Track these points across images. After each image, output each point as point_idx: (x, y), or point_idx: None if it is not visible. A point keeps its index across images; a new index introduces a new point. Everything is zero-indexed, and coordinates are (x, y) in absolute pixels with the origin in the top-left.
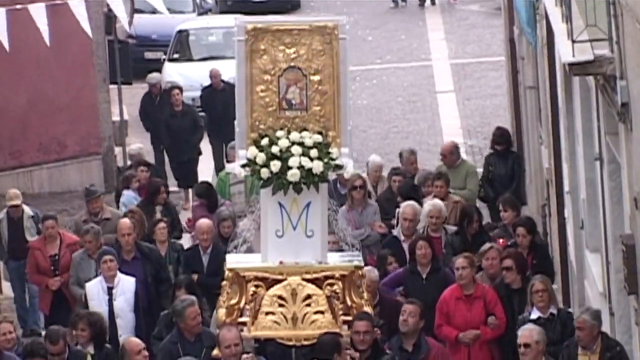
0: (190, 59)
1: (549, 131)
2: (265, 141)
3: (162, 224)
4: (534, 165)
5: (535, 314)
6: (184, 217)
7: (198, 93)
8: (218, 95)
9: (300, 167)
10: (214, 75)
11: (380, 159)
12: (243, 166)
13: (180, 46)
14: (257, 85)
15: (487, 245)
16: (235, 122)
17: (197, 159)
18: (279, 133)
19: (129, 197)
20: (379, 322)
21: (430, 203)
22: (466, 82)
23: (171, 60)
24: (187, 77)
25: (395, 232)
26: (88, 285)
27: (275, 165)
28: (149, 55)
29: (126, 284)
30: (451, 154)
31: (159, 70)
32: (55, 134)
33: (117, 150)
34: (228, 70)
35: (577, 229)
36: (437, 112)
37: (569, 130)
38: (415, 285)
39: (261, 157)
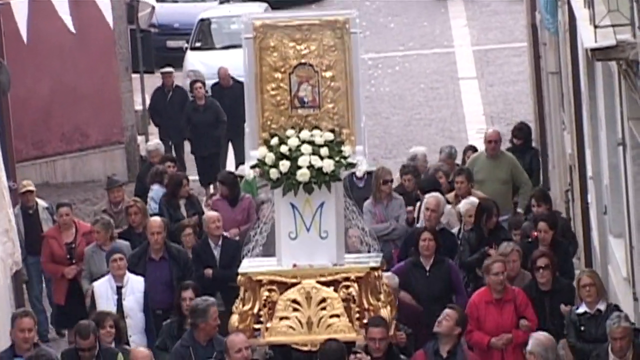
0: (213, 48)
1: (571, 117)
2: (275, 140)
3: (188, 230)
4: (557, 151)
5: (582, 308)
6: None
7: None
8: (226, 93)
9: (310, 167)
10: (222, 73)
11: (424, 148)
12: (253, 167)
13: (203, 35)
14: (268, 84)
15: (509, 246)
16: (245, 123)
17: (218, 154)
18: (289, 132)
19: (158, 192)
20: (406, 329)
21: (468, 202)
22: (488, 68)
23: (193, 48)
24: (209, 66)
25: (419, 224)
26: (96, 284)
27: (284, 165)
28: (171, 43)
29: (135, 283)
30: (495, 142)
31: (181, 59)
32: (77, 124)
33: (140, 139)
34: None
35: (600, 214)
36: (459, 99)
37: (591, 115)
38: (419, 277)
39: (270, 157)
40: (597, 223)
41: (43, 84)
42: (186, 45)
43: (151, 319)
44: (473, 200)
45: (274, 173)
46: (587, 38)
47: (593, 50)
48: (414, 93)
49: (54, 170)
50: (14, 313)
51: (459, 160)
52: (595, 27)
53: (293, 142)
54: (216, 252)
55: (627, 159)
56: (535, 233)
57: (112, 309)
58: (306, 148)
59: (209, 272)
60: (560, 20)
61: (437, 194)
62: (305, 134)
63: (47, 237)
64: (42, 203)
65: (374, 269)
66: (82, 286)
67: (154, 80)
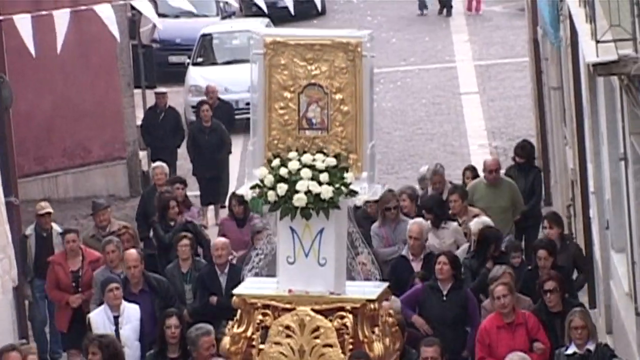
0: (215, 63)
1: (573, 131)
2: (276, 162)
3: (185, 241)
4: (559, 165)
5: (571, 349)
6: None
7: (222, 97)
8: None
9: (308, 192)
10: (209, 91)
11: (429, 166)
12: (253, 187)
13: (204, 50)
14: (276, 102)
15: (500, 269)
16: (250, 141)
17: (221, 177)
18: (291, 154)
19: None
20: (414, 354)
21: (480, 221)
22: (490, 83)
23: (195, 64)
24: (211, 81)
25: (403, 251)
26: (92, 315)
27: (282, 188)
28: (173, 59)
29: (131, 312)
30: (495, 172)
31: (183, 75)
32: (80, 139)
33: (142, 154)
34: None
35: (602, 229)
36: (461, 114)
37: (593, 130)
38: (435, 301)
39: (269, 179)
40: (599, 238)
41: (45, 100)
42: (188, 60)
43: (147, 349)
44: (485, 219)
45: (271, 195)
46: (589, 53)
47: (595, 65)
48: (415, 108)
49: (55, 185)
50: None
51: (459, 181)
52: (597, 42)
53: (293, 165)
54: (222, 279)
55: (629, 174)
56: None
57: None
58: (306, 172)
59: (214, 299)
60: (562, 36)
61: (420, 221)
62: (307, 158)
63: (53, 263)
64: (57, 228)
65: (370, 300)
66: (92, 311)
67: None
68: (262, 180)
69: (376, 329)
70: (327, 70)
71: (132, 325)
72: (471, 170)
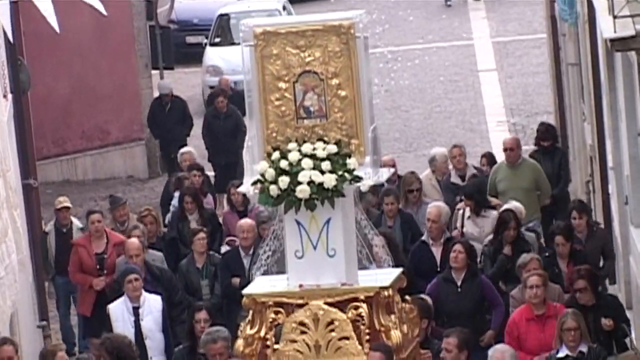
0: (232, 43)
1: (591, 108)
2: (276, 155)
3: (201, 234)
4: (577, 142)
5: (563, 352)
6: None
7: (240, 77)
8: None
9: (311, 182)
10: (223, 84)
11: (444, 149)
12: (254, 183)
13: (222, 30)
14: (271, 94)
15: (527, 256)
16: (247, 135)
17: (237, 163)
18: (291, 145)
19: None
20: (437, 343)
21: (514, 205)
22: (508, 60)
23: (213, 44)
24: (228, 61)
25: (424, 236)
26: (111, 306)
27: (284, 181)
28: (190, 39)
29: (153, 302)
30: (512, 150)
31: (201, 55)
32: (98, 121)
33: None
34: None
35: (621, 204)
36: (479, 91)
37: (611, 106)
38: (449, 293)
39: (270, 173)
40: (618, 214)
41: (63, 82)
42: (205, 41)
43: (171, 339)
44: (516, 204)
45: (273, 190)
46: (606, 28)
47: (612, 40)
48: (433, 86)
49: (74, 167)
50: None
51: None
52: (614, 17)
53: (293, 156)
54: (246, 261)
55: None
56: None
57: (130, 330)
58: (307, 162)
59: (236, 280)
60: (579, 12)
61: (439, 204)
62: (307, 147)
63: (77, 245)
64: (77, 223)
65: (384, 288)
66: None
67: (174, 77)
68: (263, 175)
69: (392, 317)
70: (320, 55)
71: (153, 317)
72: (487, 157)
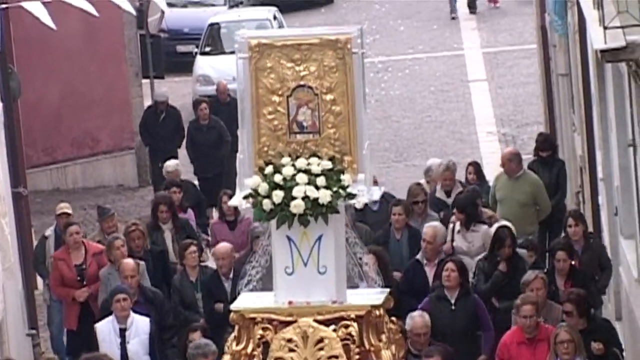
0: (223, 52)
1: (581, 118)
2: (269, 169)
3: (192, 248)
4: (568, 152)
5: None
6: None
7: (231, 86)
8: (223, 109)
9: (305, 198)
10: (221, 88)
11: (440, 160)
12: (246, 197)
13: (212, 39)
14: (264, 107)
15: (532, 274)
16: (239, 149)
17: (222, 175)
18: (284, 160)
19: None
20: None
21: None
22: (498, 70)
23: (203, 53)
24: (219, 70)
25: (418, 255)
26: (98, 325)
27: (277, 195)
28: (181, 48)
29: (140, 324)
30: (509, 161)
31: (191, 64)
32: (88, 129)
33: None
34: None
35: (611, 215)
36: (469, 101)
37: (601, 117)
38: (443, 311)
39: (264, 187)
40: (608, 224)
41: (53, 90)
42: (196, 50)
43: None
44: (504, 224)
45: (266, 204)
46: (597, 39)
47: (603, 51)
48: (424, 96)
49: (64, 175)
50: None
51: (461, 176)
52: (605, 28)
53: (288, 171)
54: (227, 285)
55: (637, 160)
56: None
57: (116, 352)
58: (301, 177)
59: (219, 306)
60: (569, 22)
61: (435, 224)
62: (301, 162)
63: (56, 259)
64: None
65: (375, 307)
66: (100, 304)
67: (164, 85)
68: (255, 189)
69: (383, 337)
70: (316, 70)
71: (140, 339)
72: (474, 165)
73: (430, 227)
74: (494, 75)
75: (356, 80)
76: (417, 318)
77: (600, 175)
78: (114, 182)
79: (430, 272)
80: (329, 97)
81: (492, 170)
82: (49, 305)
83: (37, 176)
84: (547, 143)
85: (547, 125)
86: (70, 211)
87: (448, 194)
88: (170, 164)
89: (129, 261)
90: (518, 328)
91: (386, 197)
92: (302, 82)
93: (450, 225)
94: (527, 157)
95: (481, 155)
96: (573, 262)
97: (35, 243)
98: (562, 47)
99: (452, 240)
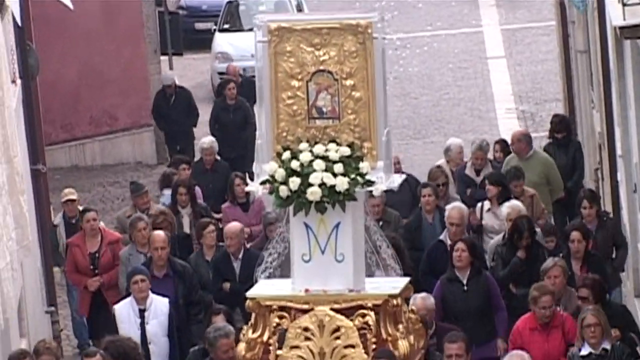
0: (241, 29)
1: (600, 95)
2: (286, 155)
3: (211, 227)
4: (586, 129)
5: (585, 350)
6: None
7: (249, 63)
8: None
9: (322, 185)
10: (230, 71)
11: (460, 141)
12: (263, 183)
13: (231, 16)
14: (283, 92)
15: (551, 261)
16: (257, 133)
17: (245, 156)
18: (302, 146)
19: (169, 198)
20: (438, 356)
21: (509, 205)
22: (517, 47)
23: (221, 30)
24: (237, 48)
25: (442, 236)
26: (117, 307)
27: (294, 182)
28: (199, 25)
29: (159, 305)
30: (519, 141)
31: (210, 41)
32: (106, 107)
33: None
34: None
35: (630, 192)
36: (488, 79)
37: (620, 93)
38: (455, 292)
39: (280, 174)
40: (627, 201)
41: (71, 68)
42: (214, 27)
43: (176, 344)
44: (514, 203)
45: (283, 190)
46: (616, 16)
47: (621, 28)
48: (442, 73)
49: (83, 153)
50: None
51: (490, 154)
52: (624, 5)
53: (305, 157)
54: (236, 265)
55: None
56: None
57: (136, 333)
58: (319, 164)
59: (227, 286)
60: None
61: (460, 205)
62: (319, 149)
63: (71, 245)
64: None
65: (392, 296)
66: (121, 293)
67: (182, 63)
68: (272, 175)
69: (400, 326)
70: (336, 55)
71: (159, 321)
72: (500, 143)
73: (455, 208)
74: (512, 52)
75: (377, 66)
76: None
77: (619, 152)
78: (133, 160)
79: None
80: (349, 82)
81: None
82: (68, 291)
83: (56, 153)
84: (562, 124)
85: (565, 103)
86: (75, 197)
87: (478, 172)
88: (206, 140)
89: (160, 232)
90: (532, 314)
91: (407, 179)
92: (322, 67)
93: (479, 204)
94: (546, 134)
95: (499, 133)
96: (589, 244)
97: (53, 220)
98: (580, 24)
99: (481, 219)
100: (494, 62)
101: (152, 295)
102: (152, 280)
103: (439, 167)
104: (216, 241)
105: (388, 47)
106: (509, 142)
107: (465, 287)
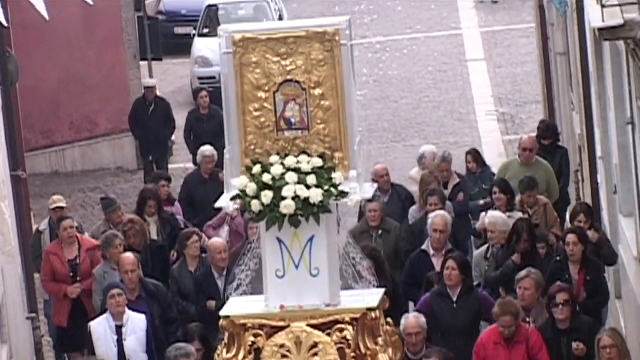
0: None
1: (580, 97)
2: (257, 169)
3: (195, 237)
4: (566, 131)
5: None
6: None
7: None
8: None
9: (296, 197)
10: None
11: (434, 147)
12: (233, 198)
13: (210, 21)
14: (250, 104)
15: (524, 272)
16: (225, 148)
17: (222, 165)
18: (273, 158)
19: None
20: None
21: (492, 216)
22: (497, 50)
23: (201, 35)
24: (217, 52)
25: (424, 245)
26: (93, 324)
27: (267, 196)
28: (178, 30)
29: (137, 321)
30: (530, 151)
31: (189, 46)
32: (86, 112)
33: None
34: None
35: (610, 194)
36: (468, 81)
37: (600, 95)
38: (444, 308)
39: (252, 188)
40: (607, 203)
41: (51, 73)
42: (194, 32)
43: None
44: (498, 214)
45: (255, 205)
46: (595, 18)
47: (601, 29)
48: (422, 76)
49: (63, 159)
50: None
51: (461, 164)
52: (603, 6)
53: (277, 170)
54: (220, 283)
55: (636, 139)
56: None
57: (113, 350)
58: (291, 177)
59: (211, 304)
60: (568, 0)
61: (443, 213)
62: (290, 161)
63: (48, 253)
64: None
65: (371, 309)
66: (96, 310)
67: (162, 68)
68: (243, 190)
69: (379, 340)
70: (303, 64)
71: (137, 337)
72: (472, 154)
73: (439, 216)
74: (492, 55)
75: (345, 74)
76: (411, 318)
77: (599, 153)
78: (113, 165)
79: (437, 263)
80: (317, 91)
81: (490, 150)
82: (46, 300)
83: (36, 159)
84: (549, 131)
85: (545, 104)
86: (64, 204)
87: (445, 185)
88: (207, 149)
89: (129, 255)
90: (496, 327)
91: (396, 189)
92: (289, 77)
93: (482, 213)
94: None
95: (480, 135)
96: (586, 248)
97: (35, 227)
98: (560, 26)
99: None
100: (474, 65)
101: (128, 312)
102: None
103: (431, 172)
104: (200, 251)
105: (368, 50)
106: (520, 147)
107: (455, 305)
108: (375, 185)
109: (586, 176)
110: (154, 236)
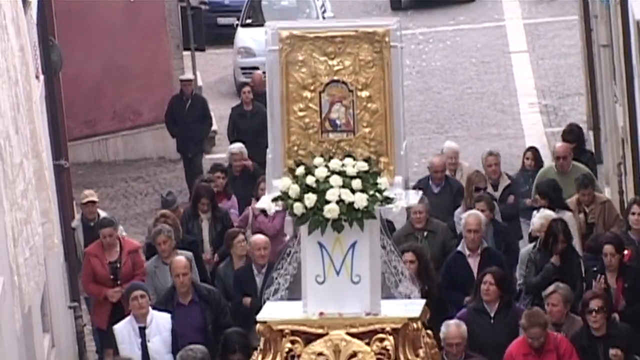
0: (263, 24)
1: (623, 89)
2: (300, 170)
3: (241, 237)
4: (609, 124)
5: None
6: None
7: None
8: (259, 99)
9: (340, 202)
10: (256, 80)
11: (455, 144)
12: (275, 200)
13: (253, 11)
14: (295, 104)
15: (551, 287)
16: (268, 148)
17: (264, 163)
18: (317, 160)
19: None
20: None
21: (542, 216)
22: (540, 41)
23: (244, 25)
24: (260, 43)
25: (459, 247)
26: (116, 327)
27: (310, 199)
28: (221, 20)
29: (161, 322)
30: (564, 159)
31: (232, 36)
32: (129, 102)
33: None
34: None
35: None
36: (511, 73)
37: None
38: (482, 324)
39: (294, 190)
40: None
41: (94, 63)
42: (237, 22)
43: None
44: (548, 214)
45: (298, 208)
46: (638, 10)
47: None
48: (465, 67)
49: (106, 148)
50: None
51: (504, 156)
52: None
53: (321, 172)
54: (258, 279)
55: None
56: (626, 252)
57: (137, 353)
58: (336, 180)
59: (247, 301)
60: None
61: (477, 212)
62: (335, 164)
63: (89, 255)
64: (104, 215)
65: (413, 319)
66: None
67: (205, 58)
68: (285, 192)
69: (420, 351)
70: (351, 64)
71: (161, 337)
72: (532, 151)
73: (472, 215)
74: (535, 47)
75: (394, 76)
76: (452, 327)
77: None
78: (155, 155)
79: (474, 263)
80: (364, 93)
81: (533, 142)
82: (87, 297)
83: (79, 148)
84: (572, 134)
85: (588, 97)
86: (95, 198)
87: (495, 187)
88: (235, 146)
89: (181, 258)
90: (524, 338)
91: (449, 181)
92: (335, 77)
93: (534, 212)
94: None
95: (522, 127)
96: (624, 256)
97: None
98: (603, 18)
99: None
100: (517, 57)
101: (152, 312)
102: (178, 308)
103: (477, 171)
104: (246, 251)
105: (411, 41)
106: (554, 156)
107: (492, 321)
108: (420, 192)
109: (629, 169)
110: (205, 234)
